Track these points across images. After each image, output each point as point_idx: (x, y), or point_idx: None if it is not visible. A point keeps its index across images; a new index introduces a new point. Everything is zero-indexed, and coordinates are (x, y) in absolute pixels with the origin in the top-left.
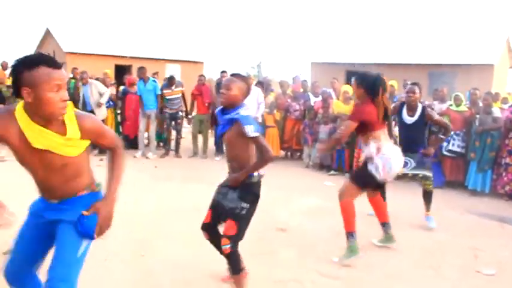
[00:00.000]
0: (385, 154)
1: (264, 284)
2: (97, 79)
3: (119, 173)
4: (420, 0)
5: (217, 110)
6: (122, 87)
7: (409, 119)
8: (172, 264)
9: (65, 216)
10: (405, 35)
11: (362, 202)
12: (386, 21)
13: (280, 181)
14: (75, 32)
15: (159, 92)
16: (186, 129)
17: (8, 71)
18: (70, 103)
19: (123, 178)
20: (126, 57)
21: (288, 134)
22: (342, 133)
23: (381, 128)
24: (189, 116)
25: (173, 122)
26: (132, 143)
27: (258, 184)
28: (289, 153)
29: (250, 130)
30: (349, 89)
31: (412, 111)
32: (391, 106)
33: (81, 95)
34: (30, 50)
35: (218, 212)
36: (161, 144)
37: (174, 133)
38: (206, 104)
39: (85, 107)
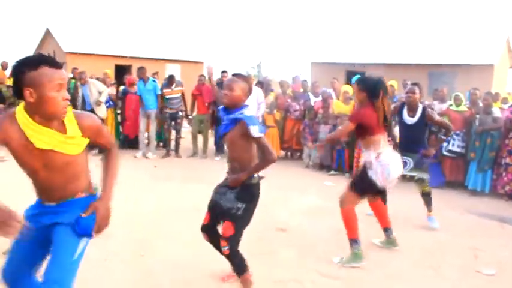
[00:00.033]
0: (383, 160)
1: (264, 284)
2: (97, 79)
3: (115, 172)
4: (420, 0)
5: (220, 108)
6: (122, 87)
7: (409, 120)
8: (172, 264)
9: (63, 218)
10: (405, 35)
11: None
12: (386, 21)
13: (280, 181)
14: (75, 32)
15: (159, 92)
16: (186, 129)
17: (8, 71)
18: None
19: (122, 177)
20: (126, 57)
21: (288, 134)
22: (338, 133)
23: (381, 132)
24: (190, 117)
25: (173, 122)
26: (132, 143)
27: (257, 185)
28: (289, 153)
29: (255, 131)
30: (349, 89)
31: (412, 111)
32: (392, 106)
33: (79, 94)
34: (30, 50)
35: (216, 212)
36: (161, 144)
37: (173, 133)
38: (206, 104)
39: (84, 106)
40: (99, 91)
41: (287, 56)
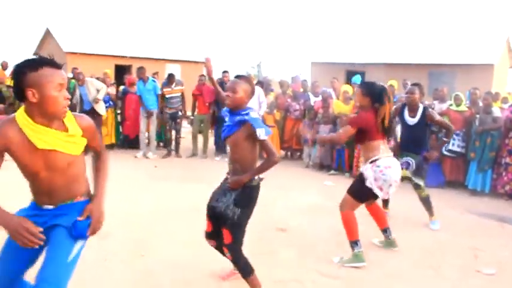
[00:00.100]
0: (379, 168)
1: (264, 284)
2: (97, 79)
3: (106, 176)
4: (420, 0)
5: (224, 110)
6: (122, 87)
7: (411, 120)
8: (172, 264)
9: (62, 221)
10: (405, 35)
11: None
12: (386, 21)
13: (280, 181)
14: (75, 32)
15: (159, 92)
16: (186, 129)
17: (8, 71)
18: None
19: (122, 177)
20: (126, 57)
21: (288, 133)
22: (339, 136)
23: (380, 138)
24: (191, 117)
25: (172, 122)
26: (132, 143)
27: (257, 187)
28: (289, 153)
29: (262, 133)
30: (349, 89)
31: (413, 112)
32: (393, 108)
33: (77, 93)
34: (30, 50)
35: (216, 217)
36: (161, 144)
37: (173, 133)
38: (207, 104)
39: (82, 106)
40: (97, 89)
41: (287, 56)
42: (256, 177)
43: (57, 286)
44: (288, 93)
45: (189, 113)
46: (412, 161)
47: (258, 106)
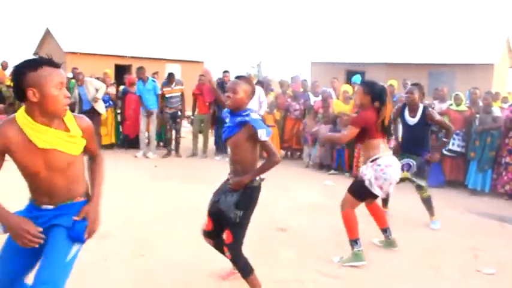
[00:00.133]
0: (379, 167)
1: (264, 284)
2: (97, 79)
3: (102, 177)
4: (420, 0)
5: (225, 111)
6: (121, 87)
7: (411, 120)
8: (172, 264)
9: (61, 221)
10: (405, 35)
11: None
12: (386, 21)
13: (280, 181)
14: (75, 32)
15: (159, 92)
16: (187, 129)
17: (8, 71)
18: None
19: (122, 177)
20: (126, 57)
21: (288, 133)
22: (343, 137)
23: (380, 137)
24: (192, 117)
25: (173, 122)
26: (132, 143)
27: (258, 188)
28: (289, 153)
29: (263, 134)
30: (349, 89)
31: (413, 112)
32: (394, 108)
33: (76, 93)
34: (30, 50)
35: (218, 217)
36: (161, 144)
37: (173, 132)
38: (207, 104)
39: (81, 106)
40: (96, 88)
41: (287, 55)
42: (257, 178)
43: (55, 286)
44: (288, 93)
45: (189, 113)
46: (413, 163)
47: (258, 106)
